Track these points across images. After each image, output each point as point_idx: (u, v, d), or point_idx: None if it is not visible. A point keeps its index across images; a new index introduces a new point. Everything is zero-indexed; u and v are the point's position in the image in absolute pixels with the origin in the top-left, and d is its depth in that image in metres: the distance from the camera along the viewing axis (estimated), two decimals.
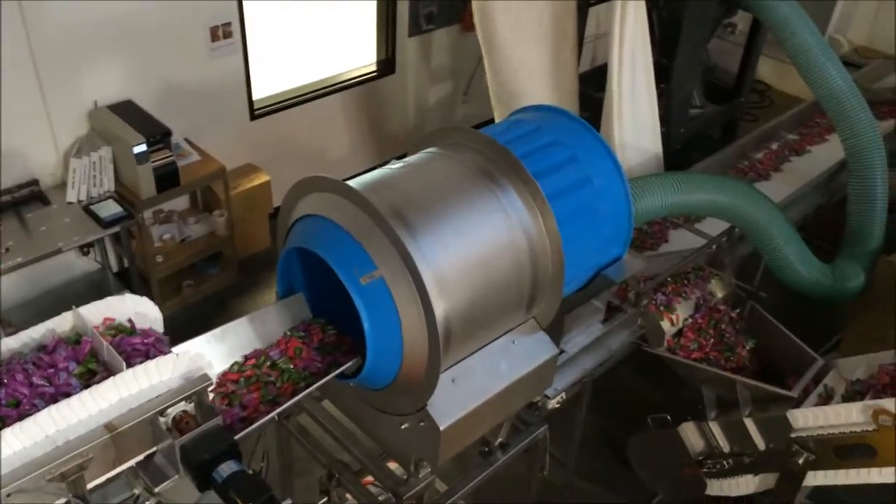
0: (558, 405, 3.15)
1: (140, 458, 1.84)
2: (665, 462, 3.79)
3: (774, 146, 5.02)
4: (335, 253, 2.10)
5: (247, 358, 2.21)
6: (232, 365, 2.18)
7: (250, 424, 2.02)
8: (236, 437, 1.92)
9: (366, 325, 2.07)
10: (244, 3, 5.21)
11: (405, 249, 1.98)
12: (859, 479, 3.19)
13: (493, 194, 2.28)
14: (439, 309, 2.04)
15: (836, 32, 7.51)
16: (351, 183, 2.15)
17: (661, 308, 3.55)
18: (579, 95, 4.92)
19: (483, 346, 2.35)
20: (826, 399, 3.31)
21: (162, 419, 1.83)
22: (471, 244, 2.18)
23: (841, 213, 4.59)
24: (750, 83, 5.63)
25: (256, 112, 5.65)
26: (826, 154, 4.91)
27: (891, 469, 3.09)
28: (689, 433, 3.61)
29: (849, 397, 3.27)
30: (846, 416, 3.09)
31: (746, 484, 3.53)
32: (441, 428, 2.18)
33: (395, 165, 2.36)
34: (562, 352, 3.12)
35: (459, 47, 6.57)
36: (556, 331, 2.76)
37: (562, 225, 2.30)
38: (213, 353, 2.11)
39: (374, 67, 6.29)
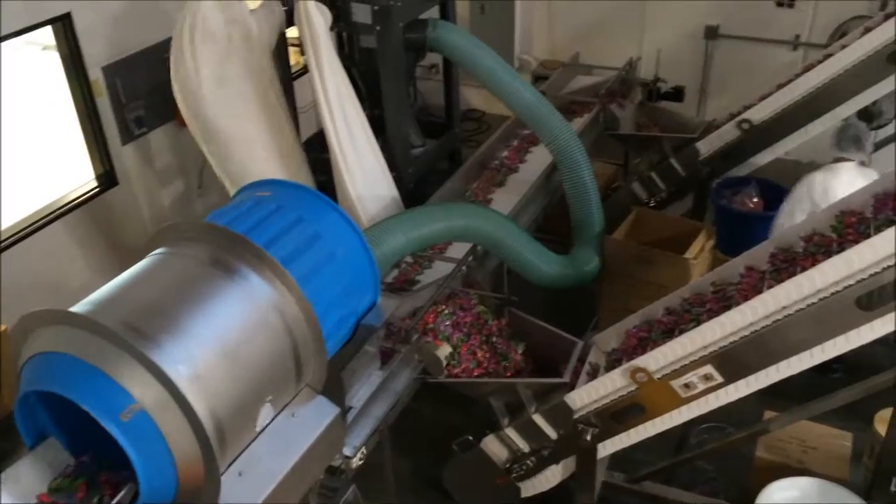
0: (362, 461, 3.17)
1: None
2: (479, 481, 3.94)
3: (494, 163, 5.45)
4: (78, 388, 1.98)
5: None
6: None
7: None
8: None
9: (131, 456, 1.97)
10: None
11: (153, 364, 1.93)
12: (640, 435, 3.54)
13: (231, 281, 2.29)
14: (204, 411, 2.00)
15: (523, 53, 8.34)
16: (76, 308, 2.06)
17: (437, 337, 3.72)
18: (311, 160, 5.05)
19: (263, 429, 2.33)
20: (593, 375, 3.63)
21: None
22: (221, 337, 2.16)
23: (565, 207, 5.08)
24: (459, 114, 6.09)
25: None
26: (538, 160, 5.40)
27: (661, 418, 3.46)
28: (492, 446, 3.80)
29: (610, 367, 3.60)
30: (612, 385, 3.42)
31: (553, 475, 3.77)
32: None
33: (121, 277, 2.29)
34: (349, 408, 3.15)
35: (181, 143, 6.44)
36: (336, 390, 2.80)
37: (305, 288, 2.36)
38: None
39: (94, 184, 6.00)
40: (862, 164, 4.58)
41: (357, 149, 4.57)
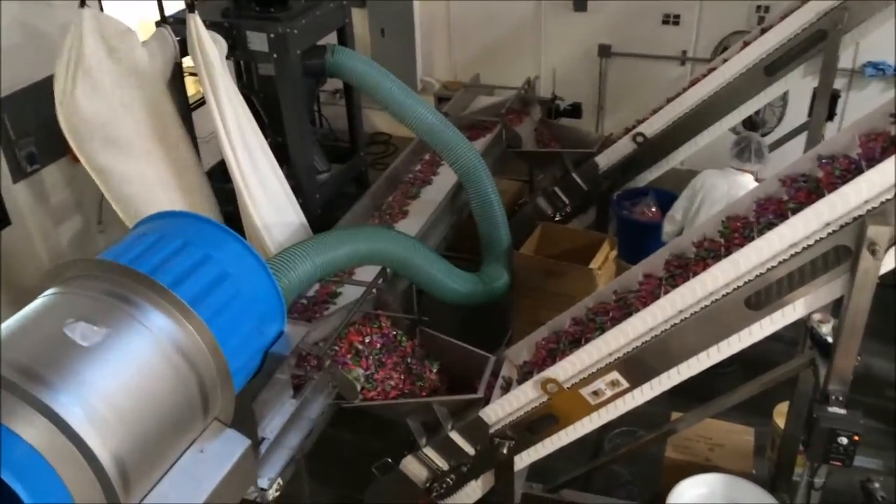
0: (279, 492, 3.13)
1: None
2: (401, 502, 3.94)
3: (401, 186, 5.50)
4: None
5: None
6: None
7: None
8: None
9: None
10: None
11: (47, 408, 1.86)
12: (554, 445, 3.62)
13: (130, 318, 2.23)
14: (105, 454, 1.94)
15: (426, 75, 8.46)
16: None
17: (350, 361, 3.71)
18: (214, 191, 4.96)
19: (170, 468, 2.28)
20: (507, 388, 3.69)
21: None
22: (120, 376, 2.10)
23: (473, 225, 5.16)
24: (364, 137, 6.12)
25: None
26: (444, 180, 5.48)
27: (573, 426, 3.55)
28: (411, 467, 3.80)
29: (522, 379, 3.67)
30: (524, 397, 3.49)
31: (473, 490, 3.81)
32: None
33: (13, 319, 2.21)
34: (262, 440, 3.11)
35: (77, 179, 6.21)
36: (248, 422, 2.76)
37: (210, 321, 2.32)
38: None
39: None
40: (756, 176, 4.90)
41: (260, 177, 4.53)
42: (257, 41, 4.71)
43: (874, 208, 2.74)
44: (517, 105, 6.49)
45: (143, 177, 4.45)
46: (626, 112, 6.90)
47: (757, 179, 4.95)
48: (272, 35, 4.64)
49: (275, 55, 4.70)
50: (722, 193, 4.95)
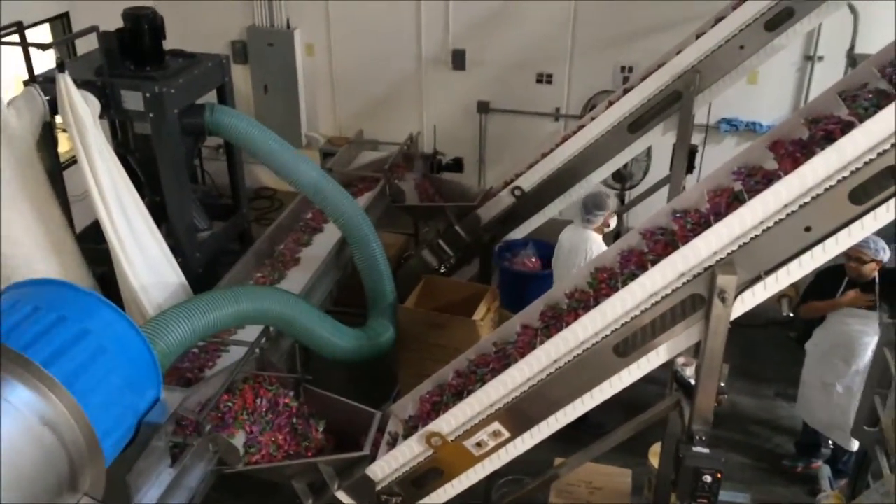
0: None
1: None
2: None
3: (283, 244, 5.49)
4: None
5: None
6: None
7: None
8: None
9: None
10: None
11: None
12: (441, 498, 3.65)
13: None
14: None
15: (311, 130, 8.52)
16: None
17: (233, 425, 3.63)
18: (88, 252, 4.79)
19: None
20: (393, 444, 3.71)
21: None
22: None
23: (359, 280, 5.19)
24: (246, 194, 6.08)
25: None
26: (328, 237, 5.50)
27: (458, 479, 3.60)
28: None
29: (407, 434, 3.70)
30: (410, 452, 3.53)
31: None
32: None
33: None
34: None
35: None
36: (121, 495, 2.67)
37: (81, 394, 2.25)
38: None
39: None
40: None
41: (137, 237, 4.42)
42: (132, 100, 4.63)
43: (722, 259, 2.97)
44: (401, 160, 6.62)
45: (10, 237, 4.26)
46: (507, 165, 7.18)
47: (607, 225, 5.28)
48: (148, 94, 4.58)
49: (151, 114, 4.63)
50: (571, 245, 5.26)
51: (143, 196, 4.66)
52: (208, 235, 5.41)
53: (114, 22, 4.93)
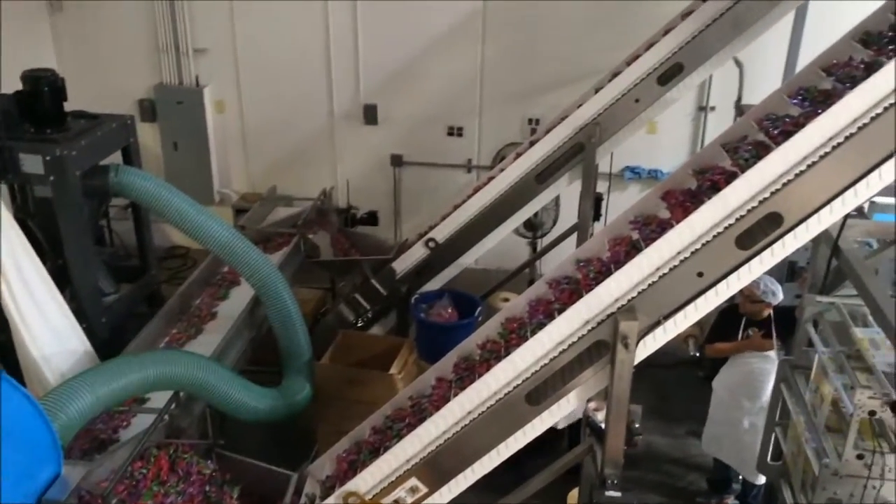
0: None
1: None
2: None
3: (200, 298, 5.39)
4: None
5: None
6: None
7: None
8: None
9: None
10: None
11: None
12: None
13: None
14: None
15: (223, 187, 8.43)
16: None
17: (140, 497, 3.50)
18: None
19: None
20: None
21: None
22: None
23: (273, 338, 5.12)
24: (155, 254, 5.95)
25: None
26: (246, 290, 5.42)
27: None
28: None
29: (325, 495, 3.64)
30: None
31: None
32: None
33: None
34: None
35: None
36: None
37: None
38: None
39: None
40: None
41: (38, 304, 4.27)
42: (32, 163, 4.51)
43: (623, 305, 3.08)
44: (314, 215, 6.63)
45: None
46: (423, 216, 7.25)
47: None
48: (48, 157, 4.47)
49: (52, 178, 4.52)
50: None
51: (44, 261, 4.51)
52: (115, 299, 5.27)
53: (13, 84, 4.83)
